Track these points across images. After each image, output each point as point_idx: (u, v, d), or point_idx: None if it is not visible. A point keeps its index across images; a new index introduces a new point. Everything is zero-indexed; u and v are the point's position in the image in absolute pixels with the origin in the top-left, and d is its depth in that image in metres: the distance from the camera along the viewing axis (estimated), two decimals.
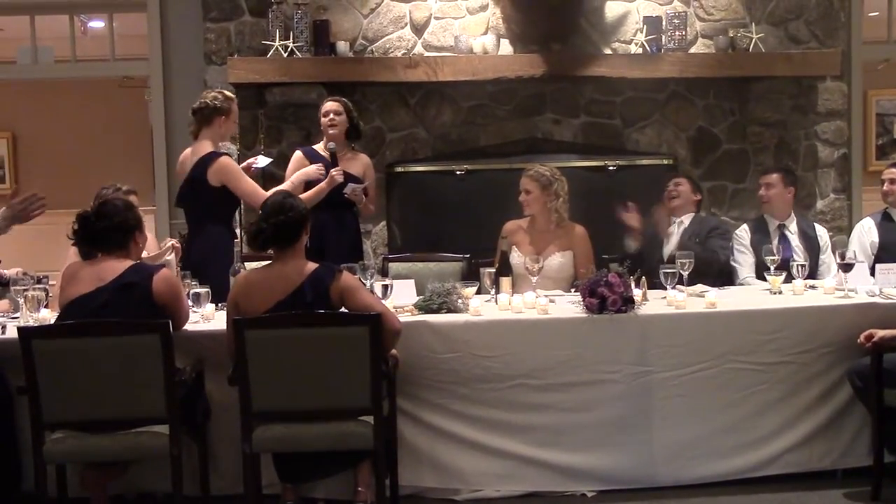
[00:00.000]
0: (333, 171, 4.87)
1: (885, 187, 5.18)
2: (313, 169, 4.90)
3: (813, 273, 4.88)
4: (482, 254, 5.01)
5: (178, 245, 4.44)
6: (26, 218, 3.91)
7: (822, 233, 5.27)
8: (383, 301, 3.90)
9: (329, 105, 5.03)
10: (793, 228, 5.18)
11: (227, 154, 4.80)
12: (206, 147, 4.65)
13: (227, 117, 4.70)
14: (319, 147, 5.07)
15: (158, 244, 4.65)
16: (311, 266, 3.65)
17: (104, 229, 3.64)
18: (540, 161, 5.39)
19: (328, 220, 4.88)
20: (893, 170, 5.22)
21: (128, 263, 3.64)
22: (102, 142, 9.01)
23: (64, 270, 3.76)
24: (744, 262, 5.10)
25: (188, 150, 4.77)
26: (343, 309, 3.62)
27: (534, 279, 4.34)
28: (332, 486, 3.91)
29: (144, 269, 3.68)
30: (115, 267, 3.61)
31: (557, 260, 4.77)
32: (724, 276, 4.99)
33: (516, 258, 4.69)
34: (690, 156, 6.17)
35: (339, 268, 3.71)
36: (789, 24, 6.12)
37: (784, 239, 5.11)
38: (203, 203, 4.66)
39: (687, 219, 5.17)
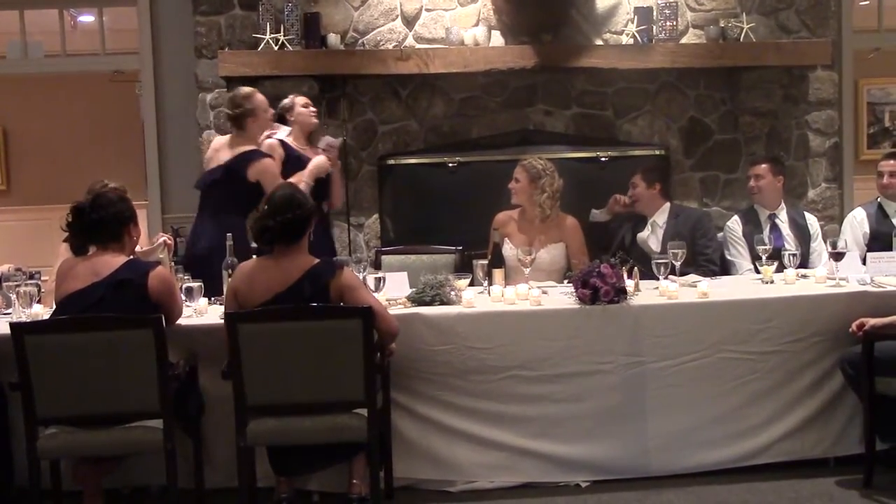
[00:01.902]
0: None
1: (884, 180, 5.14)
2: (324, 160, 4.90)
3: (804, 261, 4.89)
4: (475, 246, 5.02)
5: (170, 242, 4.43)
6: None
7: (812, 221, 5.28)
8: (377, 294, 3.91)
9: (304, 98, 5.11)
10: (783, 217, 5.19)
11: (270, 157, 4.81)
12: (248, 144, 4.77)
13: (256, 115, 4.80)
14: (286, 137, 5.04)
15: (150, 239, 4.65)
16: (312, 261, 3.65)
17: (99, 220, 3.64)
18: (532, 153, 5.41)
19: None
20: (892, 162, 5.17)
21: (122, 259, 3.64)
22: (93, 136, 9.00)
23: (58, 266, 3.76)
24: (741, 255, 5.10)
25: (224, 141, 4.89)
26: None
27: (526, 271, 4.35)
28: (326, 479, 3.92)
29: (139, 265, 3.68)
30: (110, 262, 3.61)
31: (549, 252, 4.78)
32: (718, 272, 5.00)
33: (508, 250, 4.70)
34: (682, 146, 6.17)
35: (339, 264, 3.72)
36: (780, 14, 6.12)
37: (775, 228, 5.12)
38: (231, 193, 4.71)
39: (660, 216, 5.13)
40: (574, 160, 6.06)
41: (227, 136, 4.94)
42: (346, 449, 3.68)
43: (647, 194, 5.15)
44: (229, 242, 4.20)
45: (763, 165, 5.22)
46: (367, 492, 3.67)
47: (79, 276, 3.60)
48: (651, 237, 5.10)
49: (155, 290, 3.60)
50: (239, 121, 4.81)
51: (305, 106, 5.05)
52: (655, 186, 5.17)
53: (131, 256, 3.75)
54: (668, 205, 5.19)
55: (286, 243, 3.63)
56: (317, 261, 3.66)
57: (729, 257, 5.17)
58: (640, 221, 5.20)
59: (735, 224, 5.21)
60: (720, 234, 5.32)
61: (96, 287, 3.56)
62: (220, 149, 4.87)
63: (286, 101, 5.12)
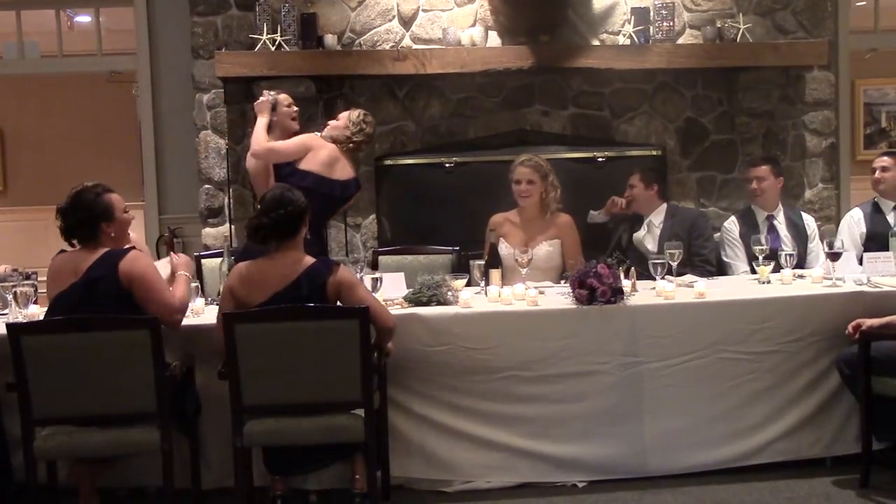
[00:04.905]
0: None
1: (875, 175, 5.17)
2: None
3: (801, 261, 4.90)
4: (472, 246, 5.01)
5: (180, 257, 4.09)
6: None
7: (809, 221, 5.28)
8: (374, 295, 3.90)
9: (287, 96, 4.87)
10: (780, 218, 5.19)
11: None
12: (352, 168, 4.65)
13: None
14: None
15: (173, 253, 4.51)
16: (309, 260, 3.66)
17: (76, 222, 3.64)
18: (529, 153, 5.40)
19: None
20: (885, 158, 5.20)
21: (99, 253, 3.61)
22: (90, 137, 8.99)
23: (49, 265, 3.74)
24: (737, 257, 5.09)
25: (337, 152, 4.58)
26: (339, 304, 3.63)
27: (523, 271, 4.34)
28: (324, 477, 3.92)
29: (111, 257, 3.61)
30: (88, 258, 3.60)
31: (545, 249, 4.78)
32: (715, 272, 4.99)
33: (504, 250, 4.69)
34: (679, 146, 6.18)
35: (336, 262, 3.73)
36: (776, 15, 6.12)
37: (773, 229, 5.12)
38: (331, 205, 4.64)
39: (657, 217, 5.13)
40: (571, 160, 6.07)
41: (335, 147, 4.58)
42: (343, 449, 3.68)
43: (644, 195, 5.15)
44: (226, 244, 4.19)
45: (764, 167, 5.21)
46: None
47: (62, 276, 3.60)
48: (647, 237, 5.10)
49: (126, 276, 3.54)
50: (360, 148, 4.71)
51: (289, 105, 4.81)
52: (653, 187, 5.17)
53: (109, 249, 3.66)
54: (664, 205, 5.20)
55: (279, 239, 3.64)
56: (313, 260, 3.67)
57: (725, 259, 5.17)
58: (637, 222, 5.20)
59: (732, 225, 5.21)
60: (717, 235, 5.32)
61: (74, 289, 3.56)
62: (340, 160, 4.59)
63: (269, 97, 4.84)
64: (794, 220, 5.20)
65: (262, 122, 4.64)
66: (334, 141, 4.58)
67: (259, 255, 3.73)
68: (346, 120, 4.61)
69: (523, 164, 4.88)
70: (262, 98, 4.75)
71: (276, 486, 3.83)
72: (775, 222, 5.16)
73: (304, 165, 4.50)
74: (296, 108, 4.83)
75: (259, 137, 4.59)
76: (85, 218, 3.63)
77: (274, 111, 4.76)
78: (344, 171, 4.57)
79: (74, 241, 3.68)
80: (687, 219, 5.17)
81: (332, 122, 4.69)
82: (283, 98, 4.85)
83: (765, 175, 5.17)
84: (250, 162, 4.70)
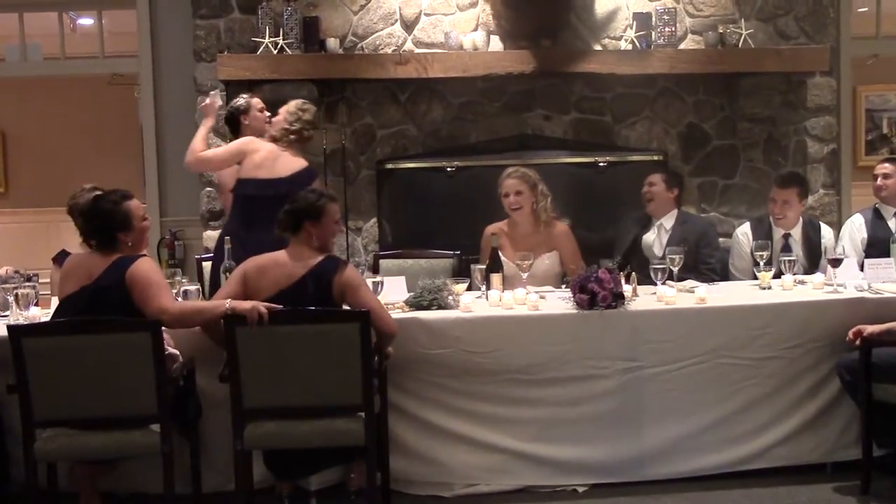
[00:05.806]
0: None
1: (878, 182, 5.14)
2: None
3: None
4: (473, 250, 5.01)
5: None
6: None
7: (826, 238, 5.04)
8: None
9: (259, 101, 4.90)
10: (797, 236, 5.06)
11: None
12: (302, 159, 4.55)
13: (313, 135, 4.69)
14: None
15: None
16: (317, 258, 3.70)
17: (90, 229, 3.67)
18: (530, 158, 5.40)
19: None
20: (886, 165, 5.16)
21: (111, 259, 3.60)
22: (92, 139, 9.00)
23: (64, 263, 3.77)
24: (743, 271, 5.02)
25: (275, 149, 4.48)
26: (344, 304, 3.66)
27: (524, 275, 4.33)
28: (324, 474, 3.93)
29: (121, 266, 3.58)
30: (101, 263, 3.60)
31: (545, 263, 4.71)
32: (719, 281, 4.95)
33: (503, 264, 4.63)
34: (680, 152, 6.18)
35: (344, 260, 3.77)
36: (778, 20, 6.13)
37: (787, 248, 4.99)
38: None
39: (668, 220, 5.08)
40: (572, 165, 6.07)
41: (275, 146, 4.51)
42: (344, 452, 3.69)
43: (664, 196, 5.10)
44: (227, 246, 4.19)
45: (792, 191, 5.04)
46: (363, 485, 3.67)
47: (75, 277, 3.61)
48: (656, 241, 5.08)
49: (129, 284, 3.54)
50: (302, 136, 4.55)
51: (261, 110, 4.82)
52: (674, 191, 5.13)
53: (122, 255, 3.65)
54: (675, 211, 5.17)
55: (289, 233, 3.73)
56: (321, 258, 3.70)
57: (732, 268, 5.12)
58: (646, 225, 5.17)
59: (744, 238, 5.08)
60: (721, 240, 5.27)
61: (83, 293, 3.55)
62: (280, 156, 4.47)
63: (240, 101, 4.85)
64: (811, 236, 5.07)
65: (204, 127, 4.57)
66: (274, 139, 4.51)
67: (250, 242, 3.82)
68: (284, 113, 4.55)
69: (510, 176, 4.79)
70: (207, 100, 4.67)
71: (281, 487, 3.85)
72: (791, 241, 5.03)
73: (242, 174, 4.45)
74: (268, 113, 4.78)
75: (194, 146, 4.48)
76: (103, 227, 3.64)
77: (246, 115, 4.77)
78: (287, 165, 4.44)
79: (92, 242, 3.70)
80: (697, 227, 5.12)
81: (273, 119, 4.63)
82: (256, 102, 4.84)
83: (791, 200, 5.02)
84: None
